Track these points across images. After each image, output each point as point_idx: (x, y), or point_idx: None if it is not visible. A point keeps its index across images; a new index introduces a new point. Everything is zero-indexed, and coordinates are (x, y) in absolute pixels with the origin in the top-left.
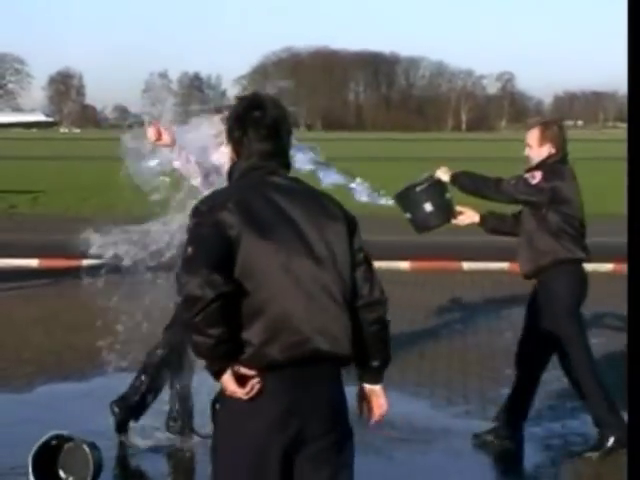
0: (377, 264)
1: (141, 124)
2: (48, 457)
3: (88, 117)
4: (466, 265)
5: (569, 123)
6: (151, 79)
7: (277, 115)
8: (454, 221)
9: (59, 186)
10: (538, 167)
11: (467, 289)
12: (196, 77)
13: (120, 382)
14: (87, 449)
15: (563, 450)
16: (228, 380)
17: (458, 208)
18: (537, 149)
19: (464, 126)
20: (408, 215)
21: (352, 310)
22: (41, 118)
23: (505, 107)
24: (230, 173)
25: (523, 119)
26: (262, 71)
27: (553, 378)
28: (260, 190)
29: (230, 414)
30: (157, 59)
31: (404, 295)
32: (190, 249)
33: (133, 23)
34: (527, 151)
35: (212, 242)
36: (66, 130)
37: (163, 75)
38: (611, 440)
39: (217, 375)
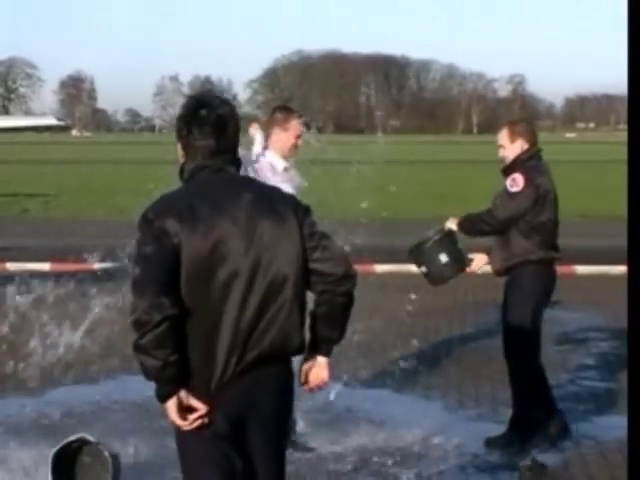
0: (388, 267)
1: (152, 128)
2: (68, 459)
3: (99, 121)
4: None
5: (580, 125)
6: (162, 83)
7: (223, 113)
8: (469, 269)
9: (71, 189)
10: (514, 165)
11: (479, 291)
12: (207, 80)
13: (132, 385)
14: (107, 454)
15: (575, 453)
16: (171, 408)
17: (469, 255)
18: (510, 147)
19: (475, 129)
20: (423, 269)
21: (320, 288)
22: (53, 122)
23: (516, 110)
24: (181, 173)
25: (534, 122)
26: (273, 74)
27: (564, 381)
28: (205, 192)
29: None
30: (168, 62)
31: (416, 298)
32: (137, 270)
33: (144, 27)
34: (501, 152)
35: (157, 261)
36: (78, 134)
37: (174, 79)
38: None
39: (163, 399)
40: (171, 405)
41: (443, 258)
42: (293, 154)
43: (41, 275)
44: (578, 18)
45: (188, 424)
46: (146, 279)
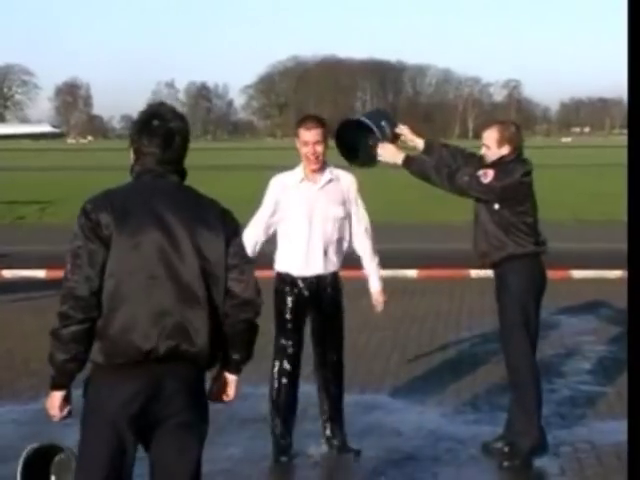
0: (384, 272)
1: None
2: (39, 466)
3: (95, 127)
4: (474, 273)
5: (576, 130)
6: (158, 89)
7: (173, 126)
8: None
9: (67, 197)
10: (493, 165)
11: (475, 297)
12: (203, 86)
13: None
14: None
15: (571, 458)
16: (56, 397)
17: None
18: (495, 150)
19: (471, 133)
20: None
21: (226, 308)
22: (48, 129)
23: (512, 114)
24: (131, 172)
25: (530, 126)
26: (269, 80)
27: (561, 386)
28: (142, 194)
29: (93, 394)
30: (164, 69)
31: (411, 303)
32: (68, 266)
33: (139, 33)
34: (484, 150)
35: (86, 258)
36: (73, 140)
37: (170, 85)
38: (526, 447)
39: (55, 388)
40: (57, 395)
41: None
42: (314, 165)
43: (37, 282)
44: (573, 22)
45: (58, 417)
46: (74, 276)
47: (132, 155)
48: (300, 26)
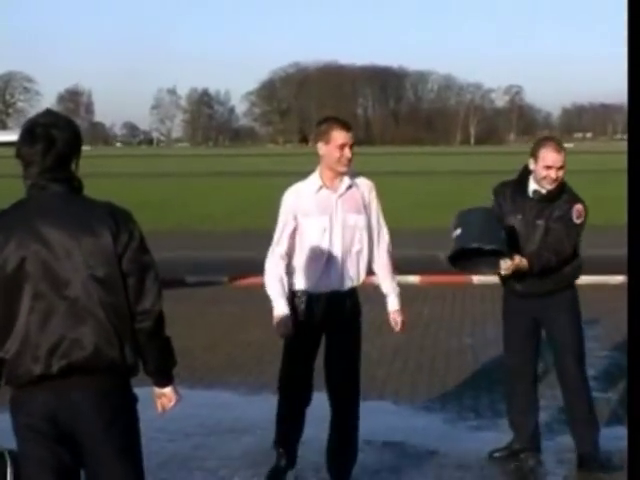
0: None
1: (150, 141)
2: None
3: (97, 134)
4: (476, 279)
5: (578, 135)
6: (160, 95)
7: (54, 132)
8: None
9: None
10: (565, 190)
11: (477, 303)
12: (205, 93)
13: None
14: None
15: (576, 464)
16: None
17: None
18: (563, 172)
19: (473, 139)
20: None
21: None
22: None
23: (513, 120)
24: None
25: (532, 132)
26: (270, 86)
27: None
28: (26, 209)
29: (12, 412)
30: (166, 75)
31: (414, 309)
32: None
33: (141, 39)
34: (560, 174)
35: None
36: None
37: (172, 91)
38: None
39: None
40: None
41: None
42: (344, 168)
43: None
44: (574, 28)
45: None
46: None
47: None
48: (301, 32)
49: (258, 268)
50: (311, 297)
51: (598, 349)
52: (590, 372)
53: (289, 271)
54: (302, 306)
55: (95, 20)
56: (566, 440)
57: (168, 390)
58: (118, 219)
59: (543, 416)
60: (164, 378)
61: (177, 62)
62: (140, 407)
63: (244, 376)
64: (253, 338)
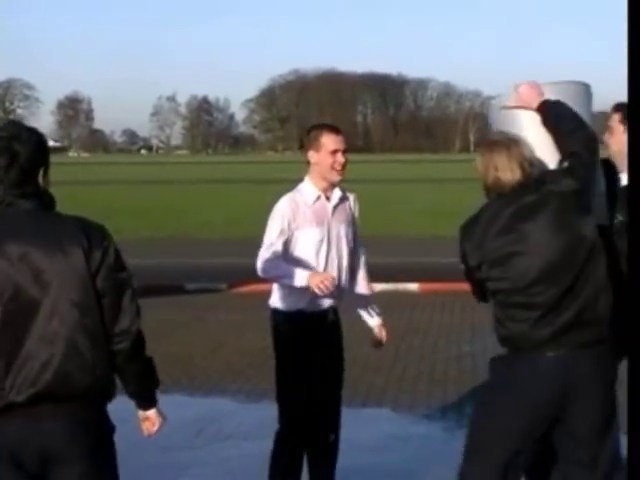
0: (386, 286)
1: (149, 148)
2: None
3: (97, 141)
4: None
5: None
6: (159, 103)
7: (16, 145)
8: None
9: (66, 211)
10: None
11: (477, 310)
12: (204, 100)
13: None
14: None
15: None
16: None
17: None
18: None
19: (472, 147)
20: None
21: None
22: (49, 143)
23: None
24: None
25: None
26: (269, 94)
27: None
28: None
29: None
30: (165, 83)
31: (413, 317)
32: None
33: (141, 46)
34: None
35: None
36: (75, 154)
37: (171, 98)
38: None
39: None
40: None
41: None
42: (338, 177)
43: None
44: (574, 36)
45: None
46: None
47: None
48: (300, 39)
49: (257, 275)
50: (307, 317)
51: None
52: None
53: (283, 288)
54: (296, 330)
55: (95, 27)
56: None
57: (152, 413)
58: (91, 235)
59: None
60: (146, 401)
61: (177, 69)
62: (136, 418)
63: (243, 383)
64: (252, 345)
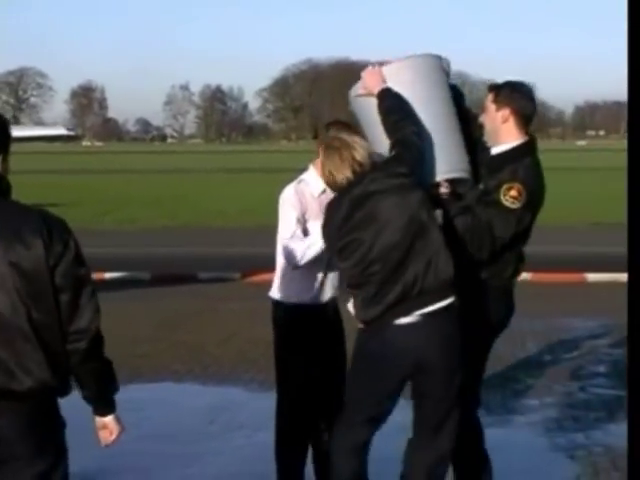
0: None
1: (163, 137)
2: None
3: (110, 130)
4: None
5: (591, 133)
6: (173, 92)
7: None
8: None
9: (80, 200)
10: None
11: None
12: (218, 89)
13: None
14: None
15: (586, 462)
16: None
17: None
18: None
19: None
20: None
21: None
22: (62, 132)
23: None
24: None
25: (544, 129)
26: (283, 83)
27: (575, 389)
28: None
29: None
30: (179, 71)
31: None
32: None
33: (154, 35)
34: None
35: None
36: (88, 143)
37: (185, 87)
38: None
39: None
40: None
41: None
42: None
43: None
44: (587, 24)
45: None
46: None
47: None
48: (313, 29)
49: (270, 264)
50: (311, 310)
51: (610, 346)
52: (601, 369)
53: (288, 281)
54: (301, 323)
55: (108, 16)
56: (577, 437)
57: (109, 420)
58: (52, 228)
59: (552, 412)
60: (103, 405)
61: (190, 58)
62: (149, 407)
63: (255, 373)
64: (264, 335)
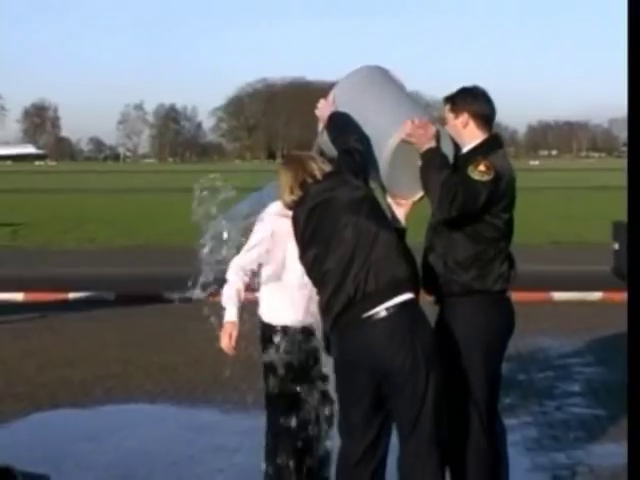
0: None
1: (116, 157)
2: None
3: (63, 149)
4: None
5: (543, 153)
6: (127, 111)
7: None
8: None
9: (39, 219)
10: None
11: None
12: (172, 109)
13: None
14: None
15: None
16: None
17: None
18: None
19: None
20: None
21: None
22: (32, 151)
23: None
24: None
25: None
26: (237, 102)
27: (552, 408)
28: None
29: None
30: (133, 91)
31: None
32: None
33: (108, 54)
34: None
35: None
36: (42, 163)
37: (139, 107)
38: None
39: None
40: None
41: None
42: None
43: (14, 305)
44: (540, 45)
45: None
46: None
47: None
48: (269, 48)
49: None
50: (298, 331)
51: (582, 365)
52: (576, 388)
53: (273, 303)
54: (288, 343)
55: (60, 34)
56: (559, 457)
57: None
58: None
59: (532, 432)
60: None
61: (144, 77)
62: (125, 429)
63: (230, 393)
64: (236, 355)
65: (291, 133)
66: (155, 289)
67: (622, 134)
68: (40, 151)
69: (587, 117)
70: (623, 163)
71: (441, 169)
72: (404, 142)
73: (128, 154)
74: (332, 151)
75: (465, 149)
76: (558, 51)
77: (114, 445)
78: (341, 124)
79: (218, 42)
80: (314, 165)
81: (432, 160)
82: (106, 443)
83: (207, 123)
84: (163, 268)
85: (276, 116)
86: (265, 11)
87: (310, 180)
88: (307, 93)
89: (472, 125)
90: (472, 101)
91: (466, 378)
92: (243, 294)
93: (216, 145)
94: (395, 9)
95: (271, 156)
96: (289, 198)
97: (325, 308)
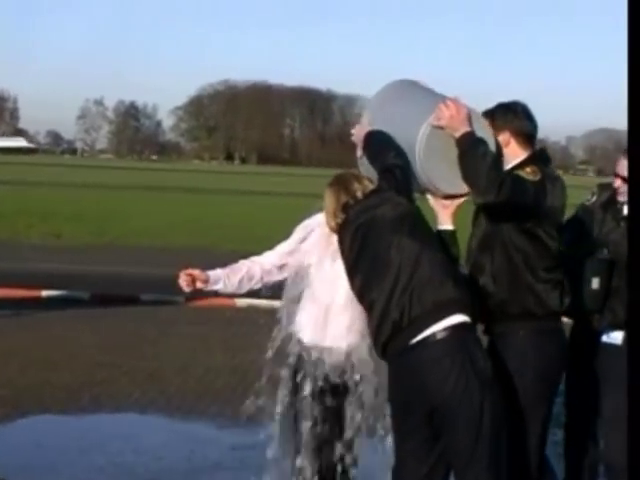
0: None
1: (73, 151)
2: None
3: None
4: None
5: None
6: (86, 105)
7: None
8: None
9: (2, 212)
10: None
11: None
12: (132, 105)
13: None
14: None
15: None
16: None
17: None
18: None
19: None
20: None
21: None
22: (24, 144)
23: None
24: None
25: None
26: (198, 102)
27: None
28: None
29: None
30: (93, 85)
31: None
32: None
33: (70, 47)
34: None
35: None
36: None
37: (99, 102)
38: None
39: None
40: None
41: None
42: None
43: None
44: (498, 60)
45: None
46: None
47: None
48: (232, 50)
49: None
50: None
51: None
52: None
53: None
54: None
55: (22, 24)
56: None
57: None
58: None
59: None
60: None
61: (105, 73)
62: (120, 444)
63: (222, 405)
64: (224, 363)
65: (250, 135)
66: (131, 290)
67: (578, 152)
68: (31, 145)
69: (545, 134)
70: (579, 180)
71: (485, 154)
72: (436, 130)
73: (86, 149)
74: (375, 175)
75: (507, 167)
76: (515, 68)
77: (109, 461)
78: (377, 142)
79: (182, 41)
80: (357, 185)
81: (471, 145)
82: (97, 462)
83: (167, 122)
84: (136, 268)
85: (236, 118)
86: (232, 13)
87: (352, 201)
88: (268, 96)
89: (514, 144)
90: (513, 118)
91: (520, 413)
92: (246, 270)
93: (174, 144)
94: (370, 14)
95: (229, 157)
96: (333, 222)
97: (374, 337)
